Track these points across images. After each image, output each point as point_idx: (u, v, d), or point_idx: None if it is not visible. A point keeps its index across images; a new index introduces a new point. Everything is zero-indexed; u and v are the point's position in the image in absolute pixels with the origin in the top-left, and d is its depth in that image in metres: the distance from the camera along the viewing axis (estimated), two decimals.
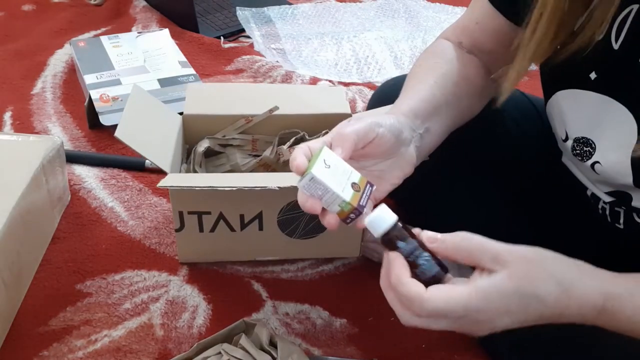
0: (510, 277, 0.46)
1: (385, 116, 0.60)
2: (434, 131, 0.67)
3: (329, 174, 0.52)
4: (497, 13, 0.69)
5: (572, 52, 0.59)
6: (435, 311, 0.46)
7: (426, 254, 0.49)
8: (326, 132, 0.95)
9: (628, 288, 0.50)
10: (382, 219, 0.50)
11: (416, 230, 0.51)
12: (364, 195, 0.54)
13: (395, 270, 0.48)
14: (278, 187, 0.75)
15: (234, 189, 0.74)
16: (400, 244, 0.50)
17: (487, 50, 0.73)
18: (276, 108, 0.94)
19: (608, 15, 0.55)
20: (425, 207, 0.85)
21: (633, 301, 0.50)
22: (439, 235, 0.50)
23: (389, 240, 0.50)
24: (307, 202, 0.53)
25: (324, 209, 0.53)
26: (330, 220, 0.53)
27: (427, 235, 0.50)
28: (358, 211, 0.53)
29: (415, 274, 0.49)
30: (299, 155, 0.53)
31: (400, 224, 0.50)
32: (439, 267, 0.49)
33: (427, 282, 0.48)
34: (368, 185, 0.56)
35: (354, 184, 0.54)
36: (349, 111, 0.96)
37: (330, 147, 0.55)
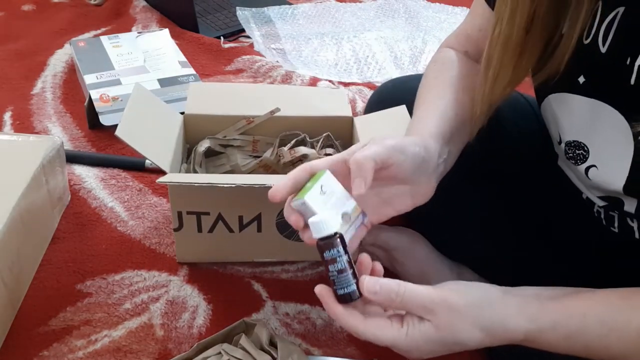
0: (437, 328, 0.52)
1: (410, 140, 0.59)
2: (454, 152, 0.66)
3: (321, 201, 0.54)
4: None
5: (544, 80, 0.60)
6: (369, 340, 0.53)
7: (343, 275, 0.52)
8: (327, 135, 0.95)
9: (553, 320, 0.53)
10: (325, 225, 0.52)
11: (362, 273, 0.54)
12: (352, 227, 0.56)
13: (327, 306, 0.53)
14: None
15: (233, 185, 0.75)
16: (327, 254, 0.52)
17: None
18: (277, 109, 0.94)
19: (572, 43, 0.56)
20: (423, 213, 0.84)
21: (555, 333, 0.53)
22: (371, 288, 0.52)
23: (320, 248, 0.53)
24: (292, 216, 0.55)
25: (305, 225, 0.55)
26: (309, 240, 0.55)
27: (366, 285, 0.52)
28: None
29: (334, 290, 0.53)
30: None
31: (338, 240, 0.52)
32: (351, 289, 0.52)
33: (341, 299, 0.53)
34: (360, 216, 0.57)
35: (344, 214, 0.56)
36: (350, 114, 0.96)
37: (339, 170, 0.56)
